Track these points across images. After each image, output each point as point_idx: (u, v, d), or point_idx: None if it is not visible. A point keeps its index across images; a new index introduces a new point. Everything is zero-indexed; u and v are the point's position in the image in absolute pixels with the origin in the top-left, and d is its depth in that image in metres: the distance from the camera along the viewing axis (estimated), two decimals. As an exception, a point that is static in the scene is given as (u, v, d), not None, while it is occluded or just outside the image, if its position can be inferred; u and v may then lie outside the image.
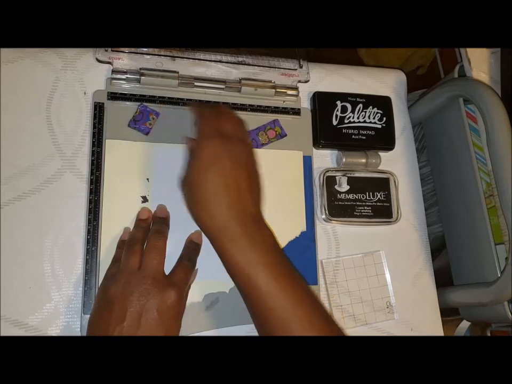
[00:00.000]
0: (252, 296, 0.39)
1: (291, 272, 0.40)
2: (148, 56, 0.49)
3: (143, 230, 0.43)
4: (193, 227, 0.47)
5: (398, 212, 0.54)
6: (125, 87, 0.49)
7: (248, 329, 0.47)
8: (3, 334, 0.41)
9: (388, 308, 0.51)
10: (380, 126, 0.55)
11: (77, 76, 0.49)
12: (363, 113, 0.55)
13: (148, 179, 0.47)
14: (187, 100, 0.50)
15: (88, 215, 0.45)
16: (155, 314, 0.38)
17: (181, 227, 0.46)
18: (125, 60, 0.48)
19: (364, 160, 0.53)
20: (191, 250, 0.45)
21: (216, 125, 0.41)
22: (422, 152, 0.71)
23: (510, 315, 0.54)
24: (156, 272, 0.40)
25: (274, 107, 0.53)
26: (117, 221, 0.45)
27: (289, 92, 0.53)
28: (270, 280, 0.38)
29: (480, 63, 0.59)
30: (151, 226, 0.44)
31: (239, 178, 0.40)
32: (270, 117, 0.53)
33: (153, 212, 0.46)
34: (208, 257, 0.46)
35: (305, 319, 0.38)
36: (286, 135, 0.52)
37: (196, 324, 0.45)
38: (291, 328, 0.37)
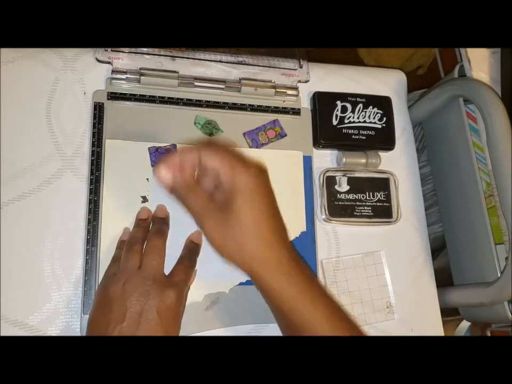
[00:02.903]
0: (274, 301, 0.40)
1: (309, 276, 0.41)
2: (148, 56, 0.49)
3: (143, 230, 0.43)
4: (193, 227, 0.47)
5: (398, 212, 0.54)
6: (125, 87, 0.49)
7: (248, 329, 0.47)
8: (3, 334, 0.41)
9: (388, 308, 0.51)
10: (380, 126, 0.55)
11: (77, 76, 0.49)
12: (363, 113, 0.55)
13: (147, 179, 0.47)
14: (187, 99, 0.50)
15: (88, 215, 0.45)
16: (155, 314, 0.38)
17: (181, 227, 0.46)
18: (124, 59, 0.48)
19: (364, 160, 0.53)
20: (191, 250, 0.45)
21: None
22: (422, 152, 0.71)
23: (510, 315, 0.54)
24: (155, 272, 0.40)
25: (274, 107, 0.53)
26: (117, 221, 0.45)
27: (289, 92, 0.53)
28: (290, 285, 0.39)
29: (480, 63, 0.59)
30: (151, 227, 0.44)
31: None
32: (270, 117, 0.53)
33: (153, 212, 0.46)
34: (208, 257, 0.46)
35: (327, 319, 0.39)
36: (286, 135, 0.52)
37: (196, 324, 0.45)
38: (315, 328, 0.39)
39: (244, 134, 0.51)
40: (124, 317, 0.37)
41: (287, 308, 0.39)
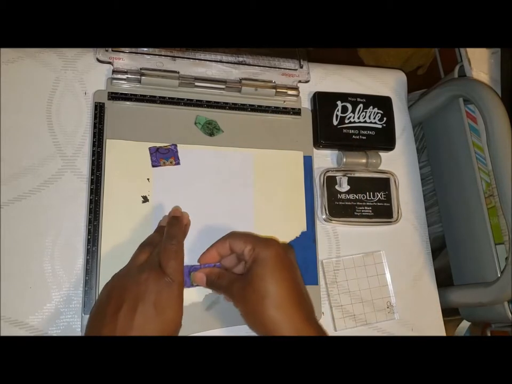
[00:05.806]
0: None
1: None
2: (148, 56, 0.49)
3: (160, 235, 0.43)
4: (194, 227, 0.47)
5: (398, 212, 0.54)
6: (126, 87, 0.49)
7: (248, 329, 0.46)
8: (3, 334, 0.41)
9: (388, 308, 0.51)
10: (380, 126, 0.55)
11: (77, 76, 0.49)
12: (363, 113, 0.55)
13: (148, 179, 0.47)
14: (187, 100, 0.50)
15: (89, 215, 0.45)
16: (151, 305, 0.37)
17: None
18: (125, 60, 0.48)
19: (364, 160, 0.53)
20: (173, 227, 0.42)
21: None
22: (422, 152, 0.71)
23: (510, 315, 0.54)
24: (155, 264, 0.39)
25: (275, 107, 0.53)
26: (118, 220, 0.45)
27: (290, 92, 0.53)
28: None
29: (480, 63, 0.59)
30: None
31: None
32: (270, 117, 0.53)
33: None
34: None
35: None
36: None
37: (196, 324, 0.45)
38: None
39: None
40: (121, 305, 0.37)
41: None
